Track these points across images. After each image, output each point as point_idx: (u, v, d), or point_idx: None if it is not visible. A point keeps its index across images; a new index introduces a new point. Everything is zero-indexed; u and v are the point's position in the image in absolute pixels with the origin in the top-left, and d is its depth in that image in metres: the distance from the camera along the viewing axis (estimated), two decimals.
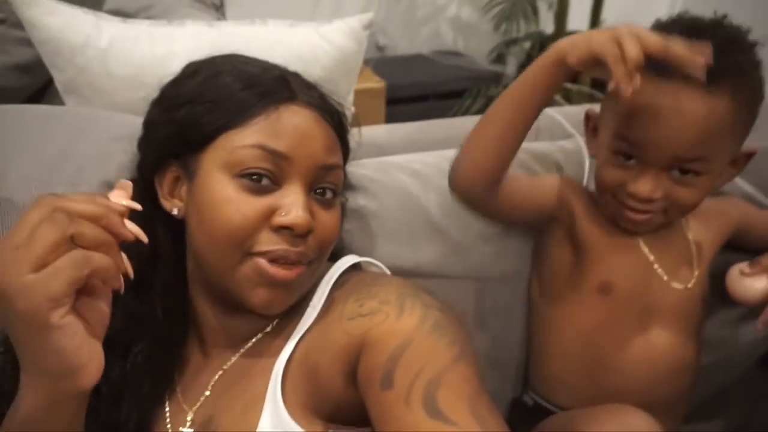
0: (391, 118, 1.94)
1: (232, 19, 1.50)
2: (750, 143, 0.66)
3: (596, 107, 0.73)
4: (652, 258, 0.71)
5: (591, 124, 0.72)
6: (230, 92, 0.53)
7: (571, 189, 0.74)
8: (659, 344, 0.71)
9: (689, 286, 0.72)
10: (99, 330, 0.40)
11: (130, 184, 0.44)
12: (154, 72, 0.82)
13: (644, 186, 0.63)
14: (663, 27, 0.64)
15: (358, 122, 0.71)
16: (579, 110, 0.94)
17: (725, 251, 0.78)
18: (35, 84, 1.07)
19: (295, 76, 0.58)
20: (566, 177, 0.76)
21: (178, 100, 0.55)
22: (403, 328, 0.48)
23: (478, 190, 0.69)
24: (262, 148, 0.51)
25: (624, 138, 0.63)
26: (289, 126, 0.52)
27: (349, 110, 1.11)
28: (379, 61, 2.25)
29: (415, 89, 2.16)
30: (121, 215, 0.41)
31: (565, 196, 0.73)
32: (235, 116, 0.52)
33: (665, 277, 0.71)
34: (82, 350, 0.38)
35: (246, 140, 0.51)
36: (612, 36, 0.54)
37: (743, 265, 0.71)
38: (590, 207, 0.73)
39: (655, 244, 0.72)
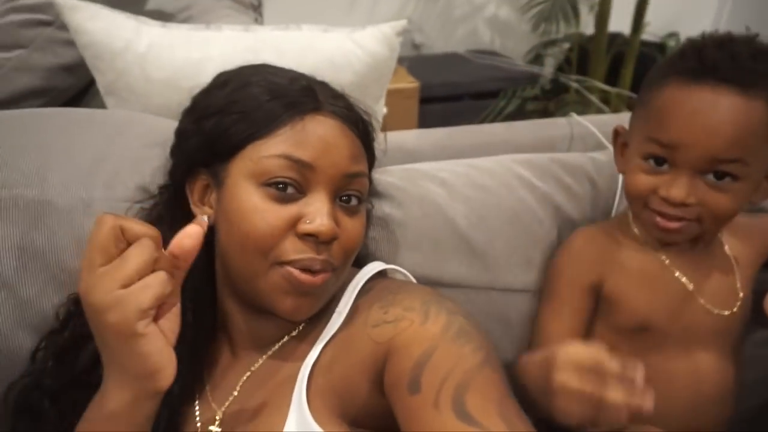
0: (424, 118, 1.93)
1: (269, 20, 1.52)
2: None
3: (627, 122, 0.72)
4: (691, 287, 0.69)
5: (620, 140, 0.71)
6: (257, 103, 0.54)
7: (588, 261, 0.71)
8: (704, 369, 0.69)
9: (734, 310, 0.69)
10: (172, 337, 0.46)
11: (206, 222, 0.47)
12: (190, 76, 0.84)
13: (678, 190, 0.61)
14: (695, 43, 0.63)
15: (387, 127, 0.71)
16: (614, 119, 0.93)
17: (765, 270, 0.75)
18: (79, 84, 1.11)
19: (323, 85, 0.59)
20: (575, 256, 0.73)
21: (207, 110, 0.57)
22: (428, 334, 0.49)
23: None
24: (287, 157, 0.52)
25: (657, 141, 0.62)
26: (314, 136, 0.53)
27: (381, 113, 1.12)
28: (414, 60, 2.24)
29: (449, 89, 2.14)
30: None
31: (595, 273, 0.70)
32: (262, 127, 0.53)
33: (708, 306, 0.69)
34: (161, 354, 0.44)
35: (272, 150, 0.52)
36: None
37: None
38: (612, 254, 0.71)
39: (694, 271, 0.69)
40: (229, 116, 0.54)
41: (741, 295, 0.70)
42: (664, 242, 0.69)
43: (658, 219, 0.64)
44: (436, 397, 0.44)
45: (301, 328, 0.58)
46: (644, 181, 0.64)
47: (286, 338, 0.58)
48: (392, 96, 1.71)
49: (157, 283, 0.42)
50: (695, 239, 0.69)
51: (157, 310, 0.44)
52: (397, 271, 0.64)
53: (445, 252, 0.73)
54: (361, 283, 0.59)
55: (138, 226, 0.44)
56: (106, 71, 0.84)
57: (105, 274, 0.42)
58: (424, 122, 1.85)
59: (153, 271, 0.43)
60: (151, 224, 0.60)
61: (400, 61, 2.15)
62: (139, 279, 0.42)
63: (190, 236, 0.45)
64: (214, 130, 0.55)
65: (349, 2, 2.33)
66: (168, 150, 0.62)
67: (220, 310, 0.61)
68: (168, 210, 0.62)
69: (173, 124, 0.62)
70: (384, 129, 0.72)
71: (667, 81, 0.62)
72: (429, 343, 0.48)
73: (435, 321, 0.50)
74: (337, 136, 0.55)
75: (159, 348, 0.44)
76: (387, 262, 0.66)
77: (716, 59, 0.59)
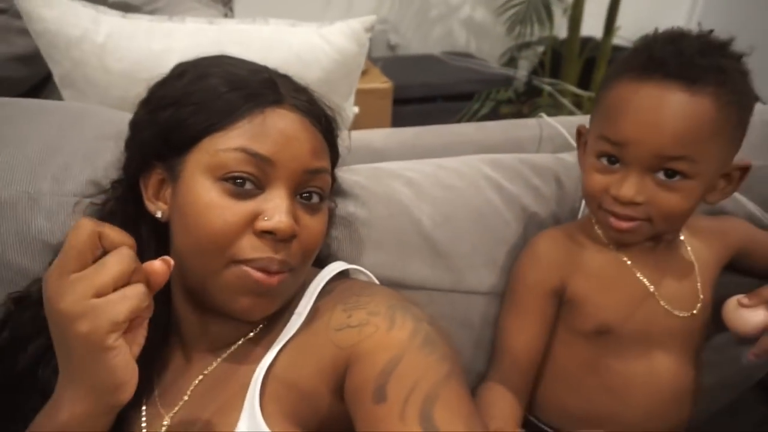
0: (398, 119, 1.92)
1: (240, 15, 1.50)
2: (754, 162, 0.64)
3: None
4: (652, 288, 0.69)
5: (582, 140, 0.70)
6: (216, 94, 0.52)
7: (550, 265, 0.70)
8: (663, 371, 0.69)
9: (694, 312, 0.70)
10: (136, 351, 0.44)
11: (172, 263, 0.45)
12: (150, 68, 0.81)
13: (628, 189, 0.60)
14: (647, 39, 0.63)
15: (359, 127, 0.70)
16: (582, 120, 0.92)
17: (726, 272, 0.76)
18: (36, 75, 1.06)
19: (285, 78, 0.57)
20: (538, 260, 0.72)
21: (163, 101, 0.54)
22: (393, 341, 0.48)
23: None
24: (245, 151, 0.50)
25: (608, 139, 0.62)
26: (274, 129, 0.51)
27: (350, 111, 1.10)
28: (389, 61, 2.23)
29: (424, 90, 2.14)
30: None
31: (550, 278, 0.70)
32: (220, 119, 0.51)
33: (668, 307, 0.69)
34: (127, 368, 0.42)
35: (229, 143, 0.50)
36: None
37: (741, 297, 0.68)
38: (574, 257, 0.70)
39: (655, 272, 0.69)
40: (185, 107, 0.52)
41: (701, 297, 0.70)
42: (621, 243, 0.69)
43: (611, 219, 0.64)
44: (402, 408, 0.43)
45: (257, 330, 0.56)
46: (597, 180, 0.64)
47: (241, 341, 0.56)
48: (366, 96, 1.71)
49: (134, 296, 0.40)
50: (656, 240, 0.69)
51: (129, 323, 0.42)
52: (359, 271, 0.63)
53: (410, 253, 0.72)
54: (321, 284, 0.57)
55: (116, 234, 0.42)
56: (62, 61, 0.81)
57: (78, 280, 0.39)
58: (398, 123, 1.84)
59: (128, 282, 0.41)
60: (102, 220, 0.59)
61: (375, 61, 2.14)
62: (115, 289, 0.40)
63: (156, 274, 0.43)
64: (169, 122, 0.53)
65: (324, 1, 2.31)
66: (122, 144, 0.60)
67: (173, 311, 0.59)
68: (120, 206, 0.59)
69: (129, 117, 0.59)
70: (355, 128, 0.71)
71: (619, 78, 0.62)
72: (395, 351, 0.47)
73: (401, 327, 0.49)
74: (299, 131, 0.53)
75: (125, 362, 0.41)
76: (349, 263, 0.64)
77: (664, 55, 0.58)
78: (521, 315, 0.71)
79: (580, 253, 0.71)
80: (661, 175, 0.60)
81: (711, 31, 0.61)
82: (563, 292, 0.70)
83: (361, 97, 1.60)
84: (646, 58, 0.60)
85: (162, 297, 0.58)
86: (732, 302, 0.67)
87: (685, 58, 0.58)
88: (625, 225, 0.63)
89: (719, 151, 0.61)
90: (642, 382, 0.69)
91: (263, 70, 0.57)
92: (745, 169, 0.65)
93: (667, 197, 0.61)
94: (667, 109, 0.58)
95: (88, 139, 0.66)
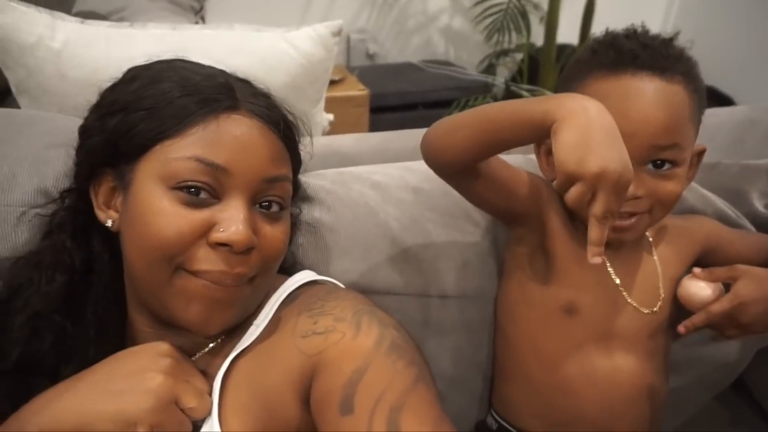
0: (376, 127, 1.91)
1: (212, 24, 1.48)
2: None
3: None
4: (618, 281, 0.68)
5: (544, 148, 0.69)
6: (167, 100, 0.50)
7: (546, 193, 0.69)
8: (624, 369, 0.68)
9: (655, 309, 0.69)
10: None
11: None
12: (109, 75, 0.79)
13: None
14: (606, 38, 0.64)
15: (334, 133, 0.68)
16: None
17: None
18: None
19: (243, 83, 0.55)
20: (545, 180, 0.70)
21: (113, 106, 0.52)
22: (359, 349, 0.47)
23: (452, 171, 0.64)
24: (199, 160, 0.48)
25: None
26: (229, 136, 0.49)
27: (321, 118, 1.09)
28: (367, 69, 2.23)
29: (402, 98, 2.14)
30: None
31: (540, 197, 0.68)
32: (172, 125, 0.49)
33: (631, 301, 0.68)
34: None
35: (182, 152, 0.48)
36: (594, 180, 0.48)
37: (697, 269, 0.69)
38: (562, 217, 0.69)
39: (622, 267, 0.69)
40: (135, 113, 0.50)
41: (662, 295, 0.70)
42: (618, 243, 0.66)
43: None
44: (370, 419, 0.43)
45: (218, 342, 0.54)
46: None
47: (198, 354, 0.54)
48: (342, 103, 1.70)
49: None
50: None
51: None
52: (328, 282, 0.61)
53: (377, 257, 0.70)
54: (284, 294, 0.55)
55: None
56: (15, 68, 0.79)
57: None
58: (376, 131, 1.83)
59: None
60: (50, 232, 0.56)
61: (352, 69, 2.13)
62: None
63: None
64: (119, 128, 0.50)
65: (301, 12, 2.31)
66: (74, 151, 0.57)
67: (128, 325, 0.56)
68: (70, 216, 0.56)
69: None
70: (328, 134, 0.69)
71: (586, 78, 0.62)
72: (361, 360, 0.46)
73: (367, 333, 0.48)
74: (255, 137, 0.51)
75: None
76: (315, 269, 0.62)
77: (632, 48, 0.60)
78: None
79: (563, 216, 0.68)
80: (650, 168, 0.61)
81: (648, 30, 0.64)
82: (544, 241, 0.68)
83: (338, 104, 1.59)
84: (614, 53, 0.60)
85: (115, 311, 0.56)
86: (686, 277, 0.68)
87: (652, 49, 0.60)
88: (626, 223, 0.62)
89: (693, 135, 0.63)
90: (603, 379, 0.67)
91: (219, 74, 0.54)
92: (701, 153, 0.67)
93: (665, 185, 0.61)
94: (653, 98, 0.59)
95: (36, 146, 0.63)
